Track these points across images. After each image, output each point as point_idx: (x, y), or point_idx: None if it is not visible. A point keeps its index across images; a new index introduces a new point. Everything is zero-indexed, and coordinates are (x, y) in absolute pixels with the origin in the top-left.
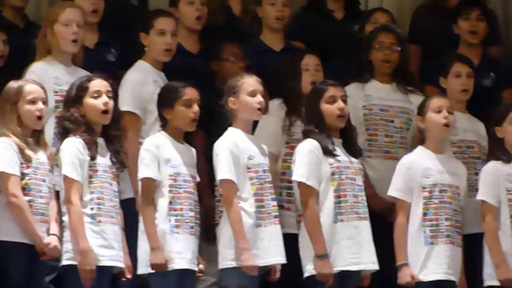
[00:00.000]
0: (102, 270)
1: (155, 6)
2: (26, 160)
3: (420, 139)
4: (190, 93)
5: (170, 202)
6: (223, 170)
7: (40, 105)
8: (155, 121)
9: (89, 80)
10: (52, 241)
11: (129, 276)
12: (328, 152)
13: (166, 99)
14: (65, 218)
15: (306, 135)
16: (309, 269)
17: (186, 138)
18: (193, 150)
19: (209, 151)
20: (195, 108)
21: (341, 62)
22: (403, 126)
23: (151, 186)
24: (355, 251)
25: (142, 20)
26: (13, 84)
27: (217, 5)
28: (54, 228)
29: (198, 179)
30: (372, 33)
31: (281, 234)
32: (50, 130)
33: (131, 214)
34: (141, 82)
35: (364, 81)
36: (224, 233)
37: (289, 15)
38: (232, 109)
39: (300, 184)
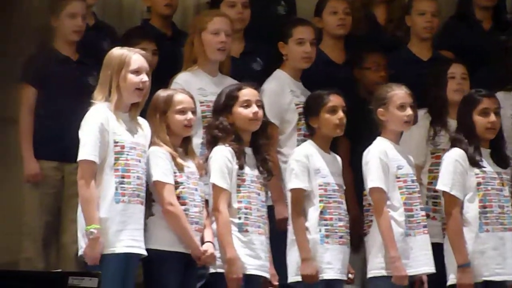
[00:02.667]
0: (249, 279)
1: (302, 15)
2: (179, 169)
3: None
4: (335, 100)
5: (321, 212)
6: (373, 178)
7: (189, 115)
8: (293, 131)
9: (239, 89)
10: (209, 248)
11: (276, 283)
12: (474, 163)
13: (311, 108)
14: (213, 226)
15: (453, 143)
16: (452, 278)
17: (331, 146)
18: (339, 158)
19: (353, 159)
20: (340, 114)
21: (487, 71)
22: None
23: (301, 196)
24: (499, 262)
25: (281, 29)
26: (162, 93)
27: (361, 13)
28: (209, 235)
29: (344, 187)
30: None
31: (429, 243)
32: (197, 140)
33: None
34: (278, 93)
35: (510, 89)
36: (374, 241)
37: (438, 25)
38: (381, 120)
39: (444, 193)
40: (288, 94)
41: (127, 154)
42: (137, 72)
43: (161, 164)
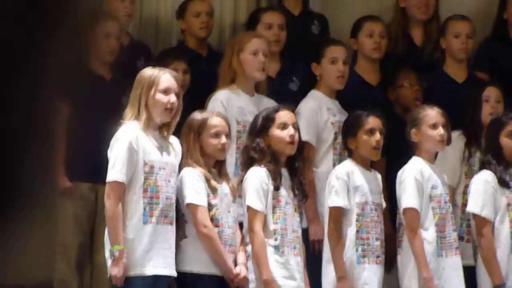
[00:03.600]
0: None
1: (335, 35)
2: (212, 190)
3: None
4: (373, 121)
5: (358, 231)
6: (408, 198)
7: (223, 138)
8: (328, 149)
9: (276, 111)
10: (242, 271)
11: None
12: (504, 184)
13: (349, 128)
14: (248, 248)
15: (482, 165)
16: None
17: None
18: (379, 176)
19: (389, 178)
20: (377, 136)
21: None
22: None
23: (340, 214)
24: None
25: (314, 50)
26: (197, 115)
27: (399, 33)
28: (242, 257)
29: (384, 205)
30: None
31: (461, 265)
32: (231, 160)
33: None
34: (315, 111)
35: None
36: (407, 261)
37: (473, 47)
38: (414, 141)
39: (475, 215)
40: (325, 112)
41: (157, 174)
42: (165, 92)
43: (195, 185)
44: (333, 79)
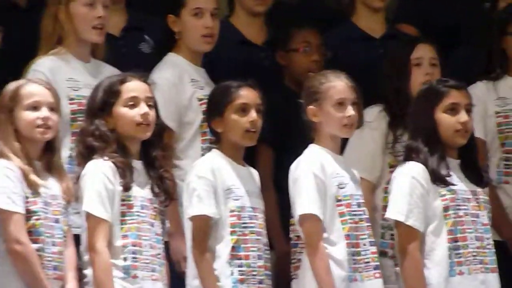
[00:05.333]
0: None
1: None
2: (33, 191)
3: None
4: (247, 95)
5: (233, 248)
6: (304, 202)
7: (44, 111)
8: (195, 136)
9: (122, 81)
10: None
11: None
12: (439, 179)
13: (215, 106)
14: (88, 271)
15: (408, 155)
16: None
17: (246, 157)
18: (255, 173)
19: (279, 176)
20: (252, 115)
21: (467, 53)
22: None
23: (206, 226)
24: None
25: None
26: (8, 87)
27: None
28: (72, 287)
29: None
30: (506, 12)
31: None
32: (64, 152)
33: None
34: (175, 84)
35: (495, 78)
36: None
37: None
38: (313, 121)
39: (398, 224)
40: (188, 85)
41: None
42: None
43: (6, 184)
44: (198, 38)
